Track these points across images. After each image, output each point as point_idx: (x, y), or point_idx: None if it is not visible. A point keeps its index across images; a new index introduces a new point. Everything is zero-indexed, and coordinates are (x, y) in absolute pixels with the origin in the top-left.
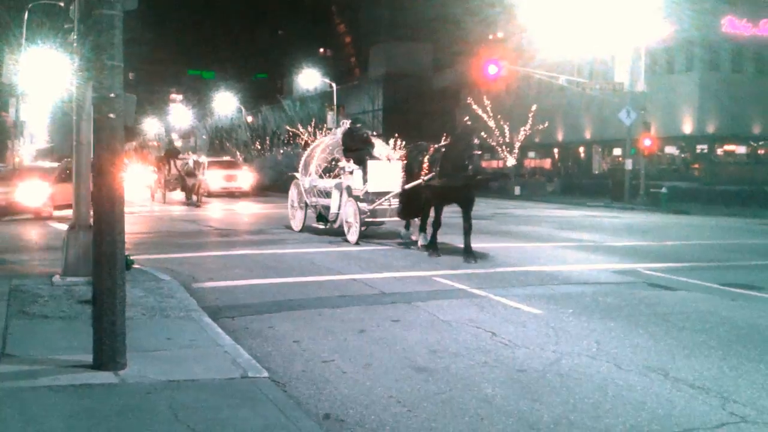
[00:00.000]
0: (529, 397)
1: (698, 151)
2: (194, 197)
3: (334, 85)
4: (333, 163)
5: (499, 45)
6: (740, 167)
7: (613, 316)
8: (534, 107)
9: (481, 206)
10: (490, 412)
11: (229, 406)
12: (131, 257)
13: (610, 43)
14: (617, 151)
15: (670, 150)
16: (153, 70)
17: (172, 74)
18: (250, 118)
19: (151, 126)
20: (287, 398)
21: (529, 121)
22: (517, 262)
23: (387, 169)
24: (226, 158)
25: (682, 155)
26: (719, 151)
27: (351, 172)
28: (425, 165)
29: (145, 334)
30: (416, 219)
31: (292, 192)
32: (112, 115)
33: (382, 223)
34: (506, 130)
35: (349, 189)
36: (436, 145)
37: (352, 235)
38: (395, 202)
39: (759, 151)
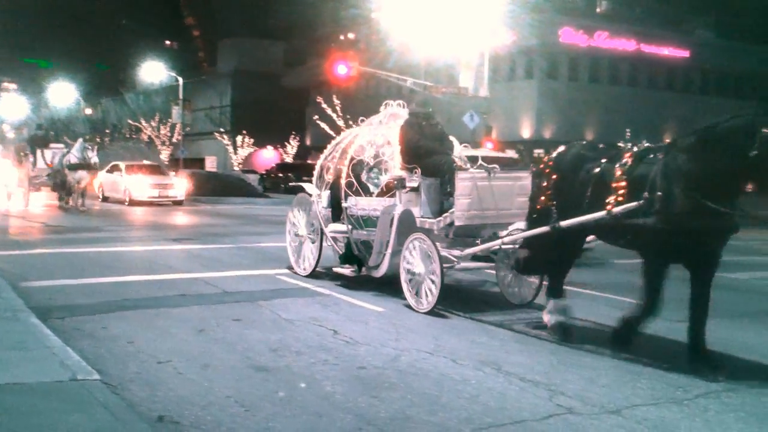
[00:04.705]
0: (368, 394)
1: (536, 154)
2: (79, 201)
3: (180, 79)
4: (373, 170)
5: (353, 46)
6: None
7: (454, 313)
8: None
9: None
10: (329, 410)
11: (57, 410)
12: None
13: (456, 48)
14: None
15: (510, 153)
16: None
17: (6, 62)
18: (89, 110)
19: None
20: (119, 401)
21: None
22: None
23: (490, 187)
24: None
25: (521, 158)
26: None
27: (415, 189)
28: (621, 184)
29: None
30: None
31: (296, 215)
32: None
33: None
34: None
35: (409, 216)
36: (637, 148)
37: (423, 302)
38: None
39: None
